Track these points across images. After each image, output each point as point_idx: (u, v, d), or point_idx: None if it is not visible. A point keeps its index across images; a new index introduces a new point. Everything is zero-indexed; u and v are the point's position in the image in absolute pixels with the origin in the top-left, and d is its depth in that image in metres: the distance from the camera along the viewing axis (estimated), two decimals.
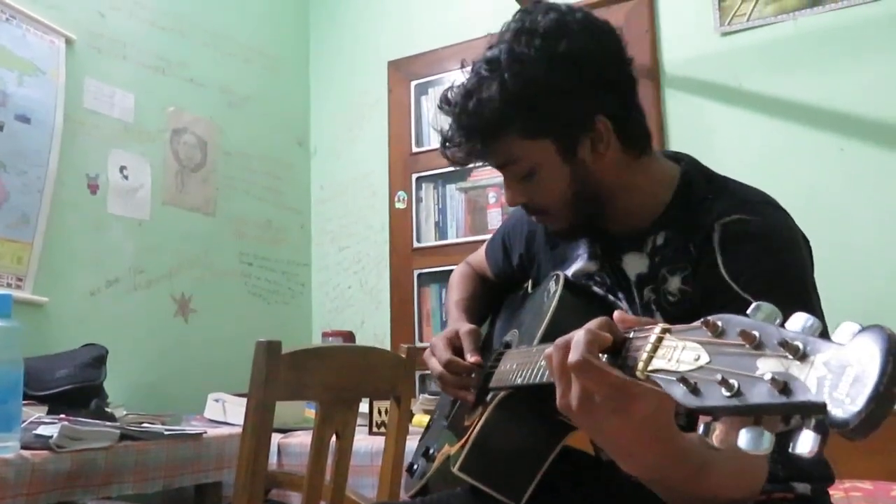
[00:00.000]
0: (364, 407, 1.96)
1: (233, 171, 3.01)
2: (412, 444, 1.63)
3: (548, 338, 0.92)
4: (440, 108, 1.06)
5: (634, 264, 1.03)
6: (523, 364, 0.92)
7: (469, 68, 1.03)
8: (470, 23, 2.98)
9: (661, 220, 1.02)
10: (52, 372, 1.96)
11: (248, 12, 3.18)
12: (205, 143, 2.92)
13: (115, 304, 2.52)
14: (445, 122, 1.06)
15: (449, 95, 1.04)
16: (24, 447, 1.43)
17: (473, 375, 1.14)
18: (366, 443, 1.91)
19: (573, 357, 0.66)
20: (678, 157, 1.08)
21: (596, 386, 0.66)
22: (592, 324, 0.68)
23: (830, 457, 1.02)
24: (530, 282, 1.24)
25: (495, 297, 1.36)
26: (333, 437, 1.39)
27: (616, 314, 0.69)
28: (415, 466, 1.22)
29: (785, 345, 0.48)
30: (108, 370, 2.08)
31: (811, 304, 0.91)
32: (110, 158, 2.56)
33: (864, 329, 0.45)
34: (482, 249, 1.38)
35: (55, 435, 1.47)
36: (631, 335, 0.66)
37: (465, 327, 1.17)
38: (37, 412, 1.76)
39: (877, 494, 1.70)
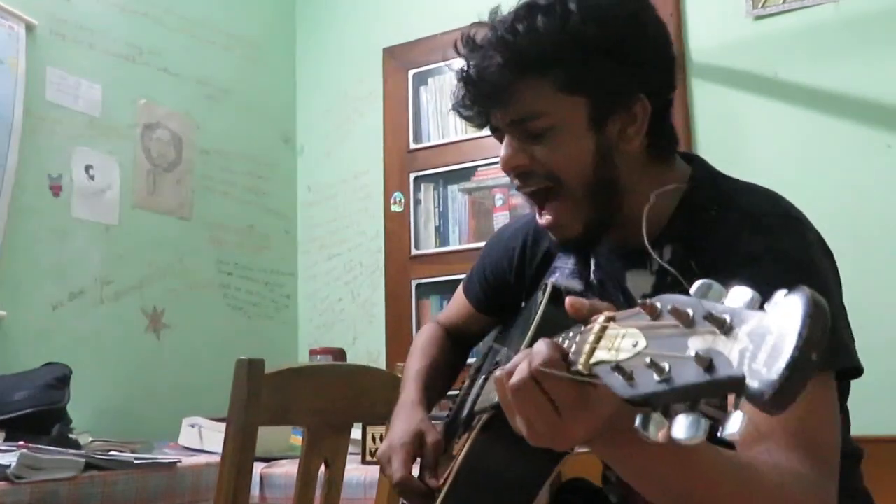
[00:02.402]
0: (356, 433, 1.96)
1: (211, 170, 3.02)
2: None
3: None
4: (474, 29, 1.02)
5: (638, 283, 1.04)
6: None
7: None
8: (472, 6, 2.98)
9: (665, 234, 1.01)
10: (9, 394, 1.96)
11: None
12: (179, 140, 2.93)
13: (79, 319, 2.52)
14: (454, 76, 1.07)
15: (489, 19, 1.02)
16: None
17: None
18: (358, 473, 1.91)
19: (535, 364, 0.66)
20: (689, 157, 1.08)
21: (556, 391, 0.65)
22: (537, 345, 0.68)
23: None
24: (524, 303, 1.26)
25: (463, 357, 1.38)
26: (322, 467, 1.39)
27: (568, 301, 0.68)
28: None
29: (711, 318, 0.48)
30: (72, 392, 2.08)
31: (840, 334, 0.91)
32: (75, 157, 2.57)
33: (788, 293, 0.45)
34: (456, 295, 1.37)
35: (13, 464, 1.47)
36: (581, 328, 0.66)
37: (431, 437, 1.10)
38: None
39: None
